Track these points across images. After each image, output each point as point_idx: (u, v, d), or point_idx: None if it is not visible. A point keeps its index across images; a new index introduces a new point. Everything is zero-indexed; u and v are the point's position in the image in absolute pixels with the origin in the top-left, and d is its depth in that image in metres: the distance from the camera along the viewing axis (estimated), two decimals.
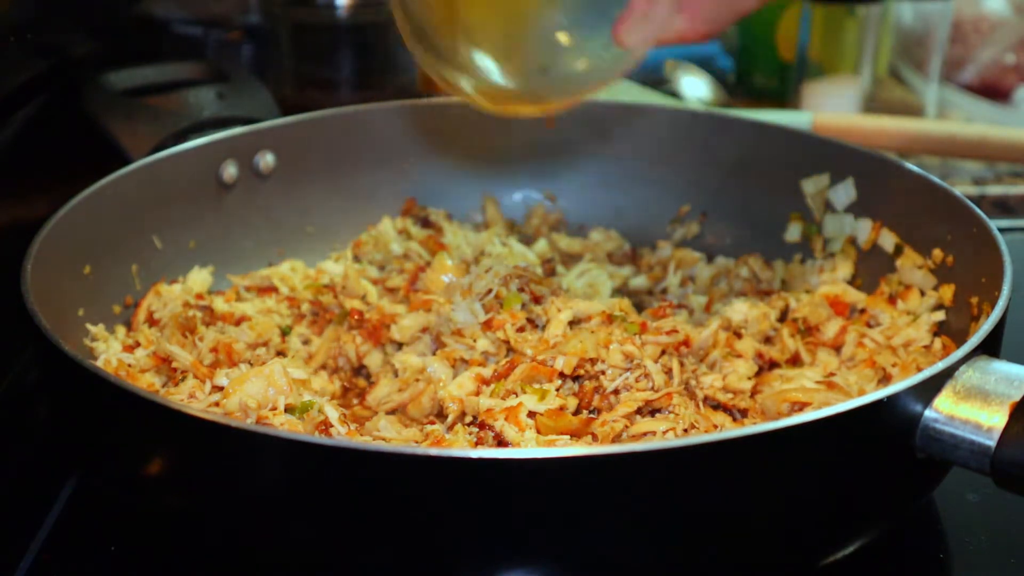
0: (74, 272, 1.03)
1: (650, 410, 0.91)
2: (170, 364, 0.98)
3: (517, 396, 0.90)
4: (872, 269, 1.14)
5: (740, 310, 1.07)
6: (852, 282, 1.15)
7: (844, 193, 1.17)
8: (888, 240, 1.13)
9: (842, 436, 0.75)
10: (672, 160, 1.30)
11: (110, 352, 0.99)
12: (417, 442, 0.92)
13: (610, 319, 0.99)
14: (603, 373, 0.94)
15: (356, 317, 1.09)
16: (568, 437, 0.88)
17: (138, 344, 1.01)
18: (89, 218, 1.04)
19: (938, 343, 1.01)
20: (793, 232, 1.21)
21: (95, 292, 1.05)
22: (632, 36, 0.80)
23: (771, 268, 1.19)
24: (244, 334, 1.03)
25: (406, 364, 1.02)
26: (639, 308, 1.14)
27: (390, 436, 0.93)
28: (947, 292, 1.03)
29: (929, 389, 0.78)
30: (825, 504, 0.78)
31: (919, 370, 0.92)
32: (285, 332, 1.08)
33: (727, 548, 0.77)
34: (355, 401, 1.04)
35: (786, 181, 1.22)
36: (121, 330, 1.07)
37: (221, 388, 0.91)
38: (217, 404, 0.89)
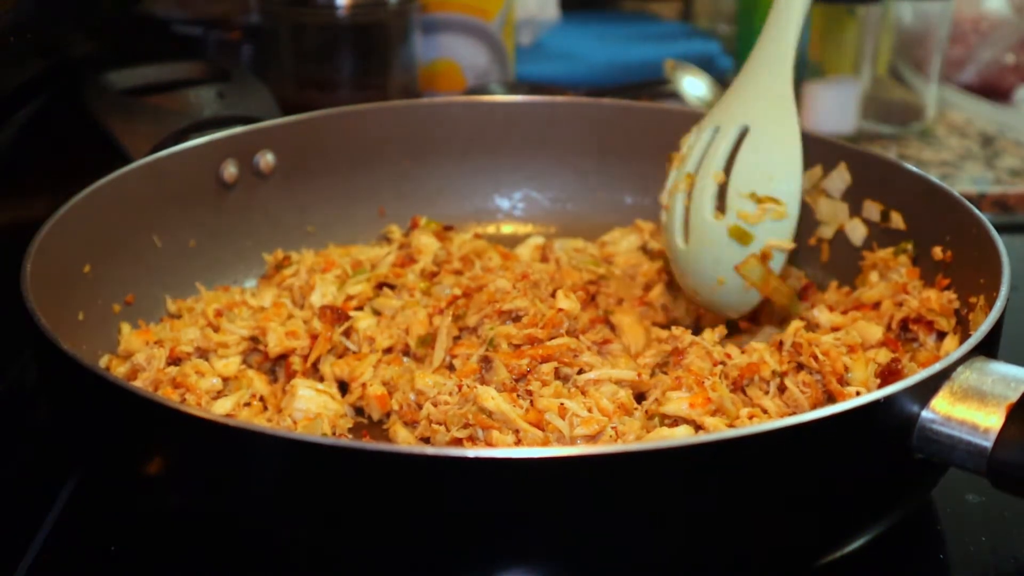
0: (74, 272, 1.03)
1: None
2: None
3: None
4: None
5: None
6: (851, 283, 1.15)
7: (839, 179, 1.17)
8: (862, 227, 1.15)
9: (840, 436, 0.75)
10: None
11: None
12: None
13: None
14: None
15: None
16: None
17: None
18: (89, 218, 1.04)
19: (951, 342, 1.00)
20: None
21: (95, 292, 1.05)
22: None
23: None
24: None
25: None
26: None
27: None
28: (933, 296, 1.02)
29: (926, 390, 0.78)
30: (822, 504, 0.78)
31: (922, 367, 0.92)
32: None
33: (725, 547, 0.77)
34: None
35: None
36: (124, 329, 1.07)
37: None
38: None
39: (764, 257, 1.04)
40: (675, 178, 1.10)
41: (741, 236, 1.04)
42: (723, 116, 1.08)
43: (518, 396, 0.93)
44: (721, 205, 1.05)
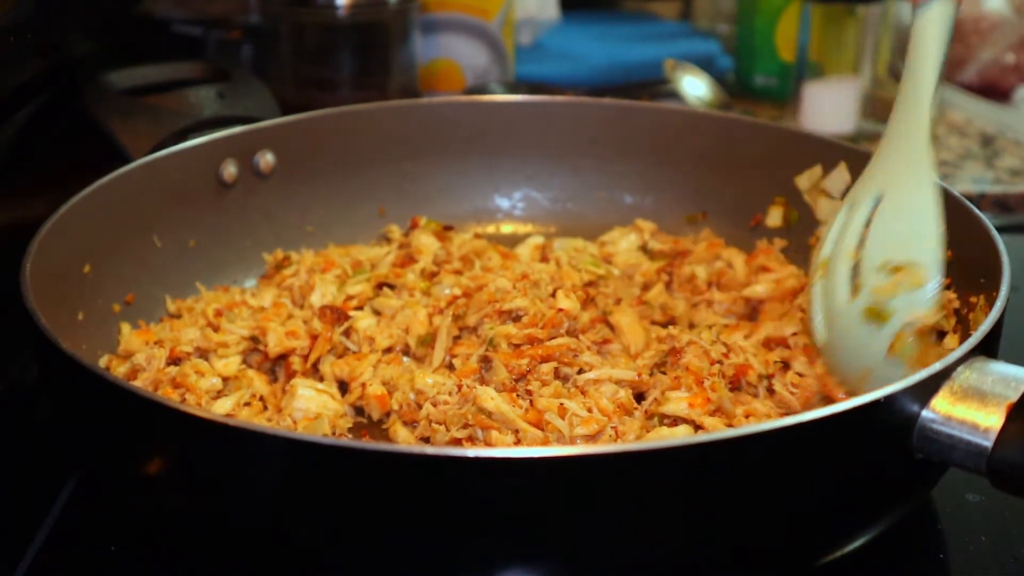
0: (74, 272, 1.03)
1: None
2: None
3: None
4: None
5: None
6: None
7: (839, 179, 1.18)
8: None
9: (840, 436, 0.75)
10: (671, 160, 1.30)
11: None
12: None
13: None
14: None
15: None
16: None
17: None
18: (89, 218, 1.04)
19: (951, 342, 1.00)
20: (774, 217, 1.22)
21: (95, 292, 1.05)
22: None
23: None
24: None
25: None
26: None
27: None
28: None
29: (926, 389, 0.78)
30: (822, 503, 0.78)
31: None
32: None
33: (725, 547, 0.77)
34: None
35: (786, 179, 1.22)
36: (124, 329, 1.07)
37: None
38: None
39: (920, 332, 0.89)
40: (812, 270, 0.98)
41: (877, 316, 0.90)
42: (857, 192, 0.97)
43: (518, 396, 0.94)
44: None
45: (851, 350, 0.92)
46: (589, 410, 0.91)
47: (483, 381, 0.96)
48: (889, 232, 0.93)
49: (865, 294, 0.91)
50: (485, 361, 0.98)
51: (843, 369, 0.94)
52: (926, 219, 0.92)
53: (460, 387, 0.94)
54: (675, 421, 0.92)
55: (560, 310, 1.02)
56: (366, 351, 1.06)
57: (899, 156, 0.96)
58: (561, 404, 0.90)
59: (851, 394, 0.90)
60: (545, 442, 0.89)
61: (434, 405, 0.94)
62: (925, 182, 0.93)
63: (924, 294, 0.90)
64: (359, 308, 1.12)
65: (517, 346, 0.99)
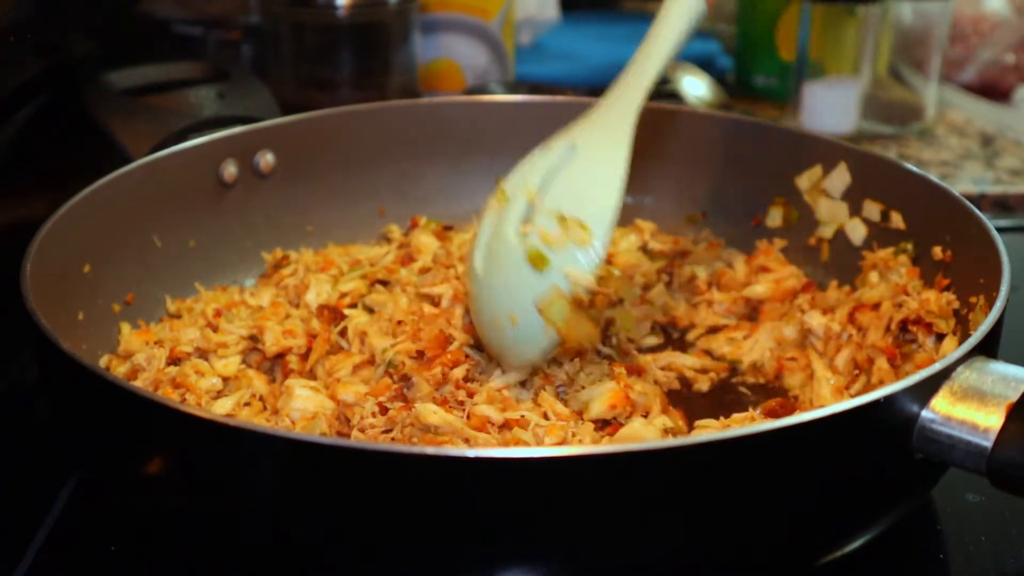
0: (74, 272, 1.03)
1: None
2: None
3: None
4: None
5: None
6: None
7: (839, 179, 1.18)
8: (862, 227, 1.14)
9: (839, 436, 0.75)
10: (671, 160, 1.30)
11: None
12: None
13: None
14: None
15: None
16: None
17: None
18: (89, 218, 1.04)
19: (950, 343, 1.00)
20: (774, 217, 1.22)
21: (95, 292, 1.05)
22: None
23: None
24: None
25: None
26: None
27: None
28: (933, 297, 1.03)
29: (926, 390, 0.78)
30: (822, 503, 0.78)
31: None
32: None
33: (725, 547, 0.77)
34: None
35: (786, 179, 1.22)
36: (124, 329, 1.07)
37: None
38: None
39: (576, 302, 0.91)
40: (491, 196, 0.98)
41: (538, 260, 0.91)
42: (557, 137, 0.99)
43: (450, 407, 0.92)
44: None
45: (504, 289, 0.92)
46: (545, 416, 0.91)
47: (405, 399, 0.94)
48: (571, 185, 0.93)
49: (533, 235, 0.92)
50: (405, 380, 0.96)
51: (489, 312, 0.94)
52: (608, 187, 0.93)
53: (382, 407, 0.92)
54: (600, 424, 0.93)
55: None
56: (357, 348, 1.06)
57: (607, 118, 0.98)
58: (523, 416, 0.90)
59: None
60: (501, 444, 0.89)
61: (361, 431, 0.91)
62: (619, 151, 0.95)
63: (587, 256, 0.91)
64: (352, 305, 1.12)
65: (418, 357, 0.99)
